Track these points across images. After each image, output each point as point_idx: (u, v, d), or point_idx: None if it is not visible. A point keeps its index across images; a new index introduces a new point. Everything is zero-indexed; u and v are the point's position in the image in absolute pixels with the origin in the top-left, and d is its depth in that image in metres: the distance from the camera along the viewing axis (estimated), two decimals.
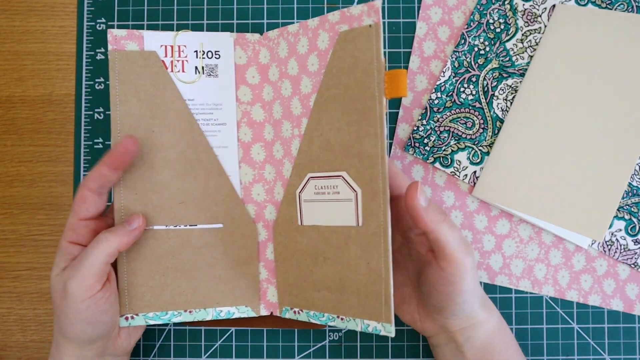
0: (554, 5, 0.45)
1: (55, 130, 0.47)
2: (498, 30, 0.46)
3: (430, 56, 0.46)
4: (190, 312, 0.41)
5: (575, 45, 0.44)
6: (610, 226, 0.45)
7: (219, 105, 0.41)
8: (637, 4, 0.45)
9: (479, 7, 0.46)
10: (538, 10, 0.45)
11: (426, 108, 0.46)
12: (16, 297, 0.46)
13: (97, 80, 0.47)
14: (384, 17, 0.46)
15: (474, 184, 0.45)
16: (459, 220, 0.46)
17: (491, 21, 0.46)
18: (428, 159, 0.46)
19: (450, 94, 0.46)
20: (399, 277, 0.41)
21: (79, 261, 0.36)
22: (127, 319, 0.40)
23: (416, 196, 0.35)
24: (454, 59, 0.46)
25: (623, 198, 0.44)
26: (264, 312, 0.42)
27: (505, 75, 0.45)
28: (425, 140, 0.46)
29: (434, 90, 0.46)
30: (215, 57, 0.41)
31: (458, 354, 0.38)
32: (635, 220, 0.45)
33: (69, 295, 0.36)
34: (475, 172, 0.45)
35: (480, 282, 0.45)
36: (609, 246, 0.45)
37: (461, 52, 0.46)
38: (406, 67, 0.46)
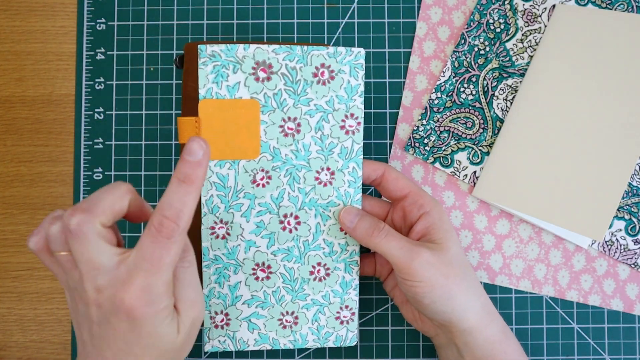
0: (554, 5, 0.45)
1: (55, 130, 0.47)
2: (498, 30, 0.46)
3: (430, 56, 0.46)
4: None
5: (575, 45, 0.44)
6: (610, 226, 0.45)
7: None
8: (637, 4, 0.45)
9: (479, 7, 0.46)
10: (538, 10, 0.45)
11: (426, 108, 0.46)
12: (16, 297, 0.46)
13: (97, 80, 0.47)
14: (383, 17, 0.47)
15: (474, 184, 0.45)
16: (459, 221, 0.46)
17: (491, 21, 0.46)
18: (428, 159, 0.46)
19: (450, 94, 0.46)
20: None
21: None
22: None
23: (341, 220, 0.38)
24: (454, 59, 0.46)
25: (623, 198, 0.44)
26: None
27: (505, 75, 0.45)
28: (425, 140, 0.46)
29: (434, 90, 0.46)
30: None
31: (460, 359, 0.38)
32: (635, 220, 0.45)
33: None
34: (475, 172, 0.45)
35: (481, 282, 0.45)
36: (609, 246, 0.45)
37: (461, 52, 0.46)
38: (406, 67, 0.46)
